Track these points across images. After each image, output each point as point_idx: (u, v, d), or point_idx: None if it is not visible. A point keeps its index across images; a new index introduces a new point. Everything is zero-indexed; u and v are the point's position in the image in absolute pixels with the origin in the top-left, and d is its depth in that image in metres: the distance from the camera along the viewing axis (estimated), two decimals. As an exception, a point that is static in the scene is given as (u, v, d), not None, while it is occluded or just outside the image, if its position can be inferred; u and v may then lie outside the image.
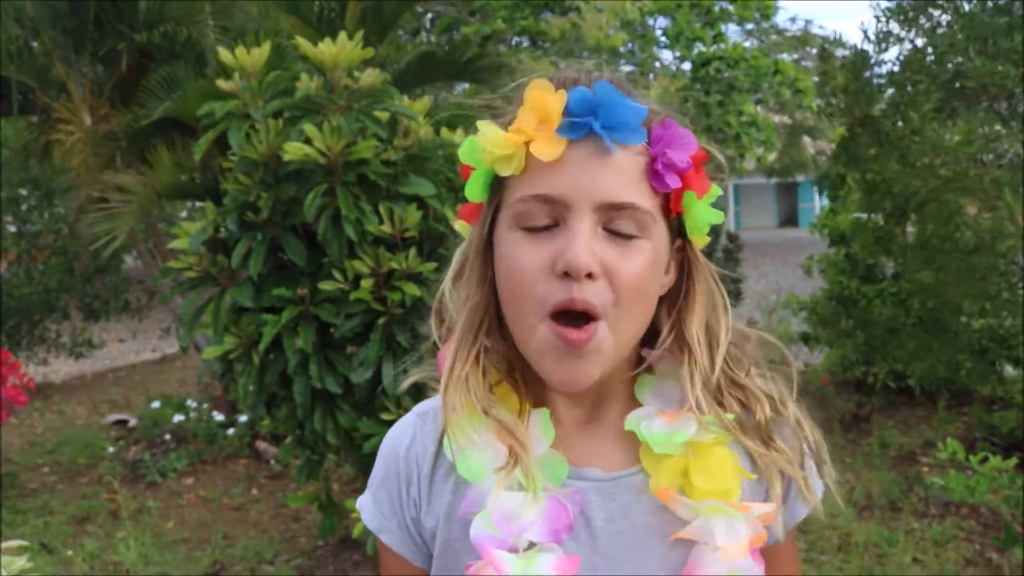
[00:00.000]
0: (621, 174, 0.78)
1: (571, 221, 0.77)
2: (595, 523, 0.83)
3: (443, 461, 0.86)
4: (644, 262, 0.78)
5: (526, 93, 0.79)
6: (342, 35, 2.97)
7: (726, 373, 0.86)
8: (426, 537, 0.87)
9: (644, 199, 0.78)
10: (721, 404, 0.85)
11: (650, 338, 0.86)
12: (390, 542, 0.89)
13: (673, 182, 0.79)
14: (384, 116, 3.02)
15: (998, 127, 4.15)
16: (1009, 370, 5.14)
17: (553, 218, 0.78)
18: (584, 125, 0.77)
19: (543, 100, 0.78)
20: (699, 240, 0.85)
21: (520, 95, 0.81)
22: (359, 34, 3.03)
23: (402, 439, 0.89)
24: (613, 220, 0.78)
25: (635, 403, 0.87)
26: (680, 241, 0.84)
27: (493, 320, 0.85)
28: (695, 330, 0.84)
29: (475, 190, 0.84)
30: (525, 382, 0.86)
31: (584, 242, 0.76)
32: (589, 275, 0.76)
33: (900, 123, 4.09)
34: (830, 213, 5.96)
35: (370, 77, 2.96)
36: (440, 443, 0.86)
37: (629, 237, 0.78)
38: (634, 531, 0.83)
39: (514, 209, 0.80)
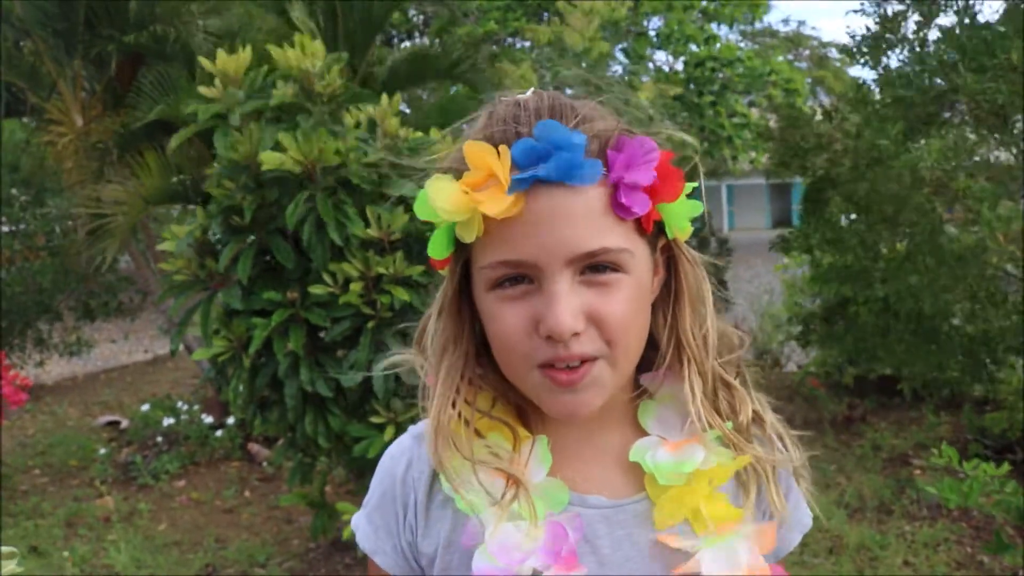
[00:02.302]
0: (585, 219, 0.74)
1: (546, 283, 0.74)
2: (601, 550, 0.82)
3: (440, 487, 0.85)
4: (628, 297, 0.76)
5: (465, 153, 0.75)
6: (299, 38, 2.96)
7: (719, 375, 0.85)
8: (422, 562, 0.86)
9: (615, 236, 0.75)
10: (717, 409, 0.84)
11: (648, 343, 0.84)
12: (384, 564, 0.88)
13: (640, 206, 0.75)
14: (354, 119, 3.02)
15: (972, 136, 4.19)
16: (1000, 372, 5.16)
17: (526, 276, 0.76)
18: (531, 178, 0.73)
19: (485, 161, 0.74)
20: (683, 235, 0.82)
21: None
22: (311, 39, 3.02)
23: (399, 462, 0.88)
24: (588, 266, 0.75)
25: (637, 428, 0.86)
26: (664, 240, 0.82)
27: (473, 368, 0.84)
28: (690, 330, 0.83)
29: (438, 249, 0.80)
30: (522, 411, 0.85)
31: (564, 305, 0.73)
32: (576, 334, 0.74)
33: (872, 147, 4.12)
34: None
35: (332, 77, 2.95)
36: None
37: (608, 276, 0.76)
38: (641, 558, 0.82)
39: (486, 275, 0.77)
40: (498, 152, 0.74)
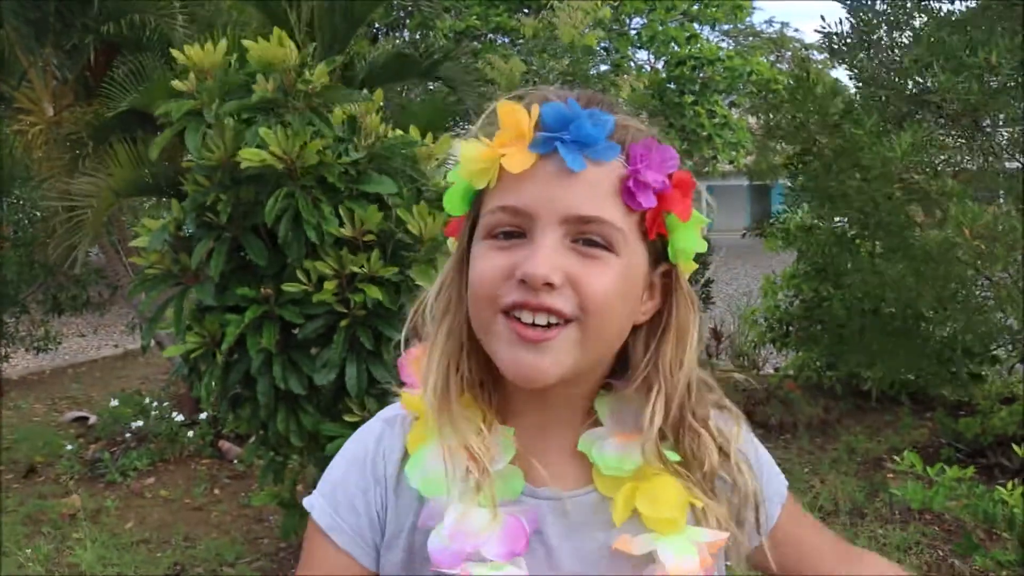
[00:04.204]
0: (590, 188, 0.77)
1: (536, 233, 0.77)
2: (550, 540, 0.83)
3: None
4: (612, 277, 0.77)
5: (498, 111, 0.79)
6: (277, 33, 2.91)
7: (688, 421, 0.85)
8: (386, 537, 0.87)
9: (614, 215, 0.78)
10: (678, 441, 0.84)
11: (622, 367, 0.86)
12: (341, 542, 0.87)
13: (647, 201, 0.78)
14: (339, 117, 2.97)
15: (946, 138, 4.22)
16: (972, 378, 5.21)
17: (521, 229, 0.78)
18: (554, 140, 0.76)
19: (514, 116, 0.78)
20: (685, 266, 0.84)
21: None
22: (289, 35, 2.96)
23: (368, 441, 0.89)
24: (580, 234, 0.77)
25: (597, 424, 0.87)
26: (666, 266, 0.83)
27: (473, 340, 0.84)
28: (669, 361, 0.83)
29: (454, 203, 0.84)
30: (490, 397, 0.86)
31: (545, 253, 0.76)
32: (550, 285, 0.76)
33: (848, 138, 4.14)
34: (799, 222, 5.98)
35: (319, 74, 2.90)
36: (407, 449, 0.87)
37: (597, 252, 0.77)
38: (588, 550, 0.83)
39: (486, 220, 0.80)
40: (529, 112, 0.78)
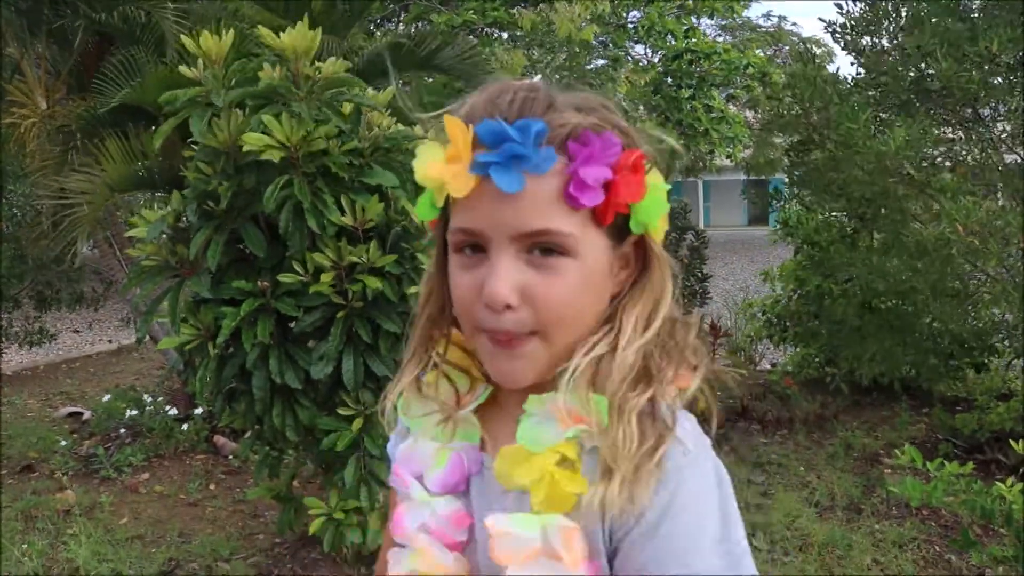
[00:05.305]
0: (534, 202, 0.78)
1: (492, 253, 0.80)
2: (472, 499, 0.89)
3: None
4: (569, 283, 0.79)
5: (445, 126, 0.80)
6: (301, 24, 2.89)
7: (644, 362, 0.81)
8: None
9: (562, 221, 0.78)
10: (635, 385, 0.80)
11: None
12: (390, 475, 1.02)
13: (591, 200, 0.78)
14: (348, 108, 2.95)
15: (948, 132, 4.20)
16: (972, 372, 5.21)
17: (480, 245, 0.81)
18: (488, 163, 0.77)
19: (455, 132, 0.79)
20: (655, 233, 0.84)
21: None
22: (302, 27, 2.93)
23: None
24: (535, 245, 0.79)
25: None
26: (635, 236, 0.84)
27: (446, 331, 0.91)
28: (630, 313, 0.83)
29: (423, 210, 0.87)
30: (482, 370, 0.91)
31: (501, 276, 0.78)
32: (509, 307, 0.79)
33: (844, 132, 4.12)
34: (798, 215, 5.95)
35: (332, 66, 2.88)
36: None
37: (554, 260, 0.79)
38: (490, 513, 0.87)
39: (451, 238, 0.84)
40: (468, 130, 0.79)
